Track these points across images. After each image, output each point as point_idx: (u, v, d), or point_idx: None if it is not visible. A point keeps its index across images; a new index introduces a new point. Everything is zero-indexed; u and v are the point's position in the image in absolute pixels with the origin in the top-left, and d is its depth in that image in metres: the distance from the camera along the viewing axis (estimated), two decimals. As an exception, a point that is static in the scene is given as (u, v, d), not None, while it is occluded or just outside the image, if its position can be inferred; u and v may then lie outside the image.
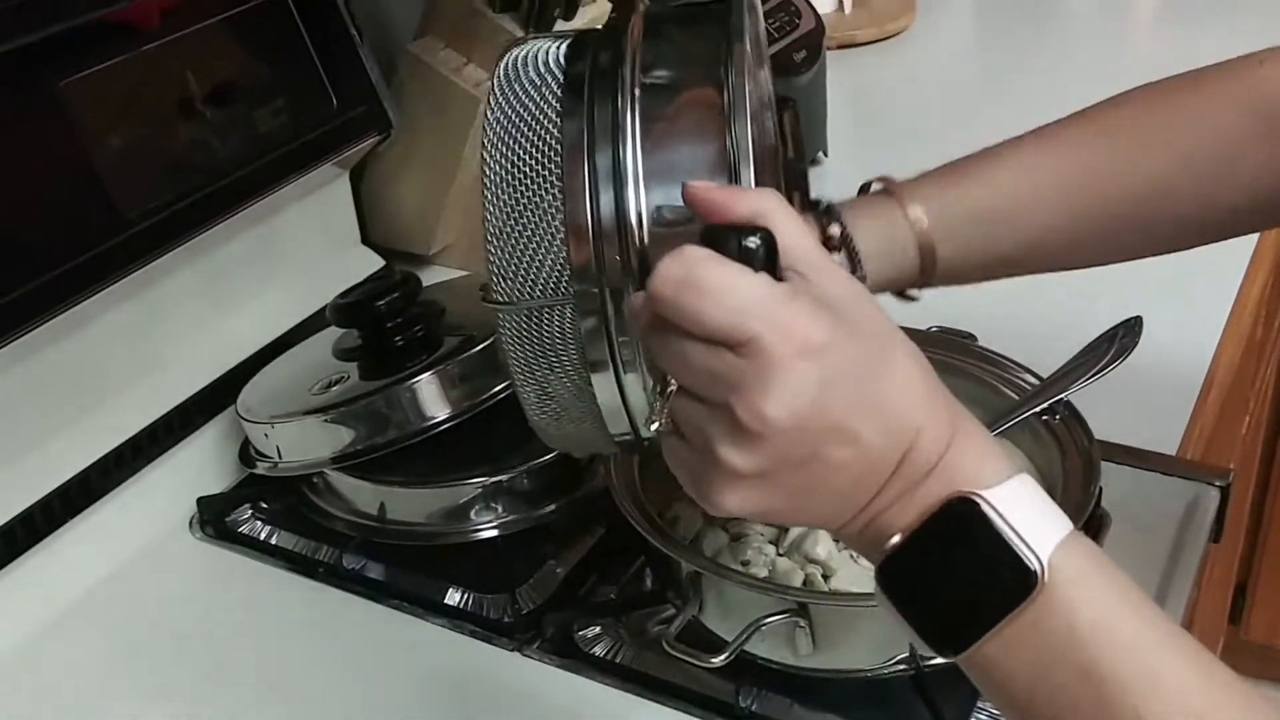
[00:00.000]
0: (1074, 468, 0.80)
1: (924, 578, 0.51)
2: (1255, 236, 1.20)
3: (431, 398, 0.89)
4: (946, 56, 1.80)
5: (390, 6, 1.23)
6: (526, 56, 0.61)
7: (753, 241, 0.49)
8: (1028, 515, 0.50)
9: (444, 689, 0.82)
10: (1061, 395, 0.84)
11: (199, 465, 0.99)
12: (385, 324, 0.93)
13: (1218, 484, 0.90)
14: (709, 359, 0.48)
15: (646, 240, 0.56)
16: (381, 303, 0.93)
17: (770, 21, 1.32)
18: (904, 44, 1.79)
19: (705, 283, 0.48)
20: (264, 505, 0.96)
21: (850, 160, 1.41)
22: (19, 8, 0.81)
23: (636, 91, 0.57)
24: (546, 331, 0.60)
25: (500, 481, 0.89)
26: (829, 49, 1.42)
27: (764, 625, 0.72)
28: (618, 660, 0.80)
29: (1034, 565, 0.48)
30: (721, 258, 0.49)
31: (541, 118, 0.59)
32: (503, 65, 0.62)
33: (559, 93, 0.59)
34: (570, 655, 0.81)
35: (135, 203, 0.89)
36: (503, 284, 0.60)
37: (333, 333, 0.99)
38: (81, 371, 0.91)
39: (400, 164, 1.16)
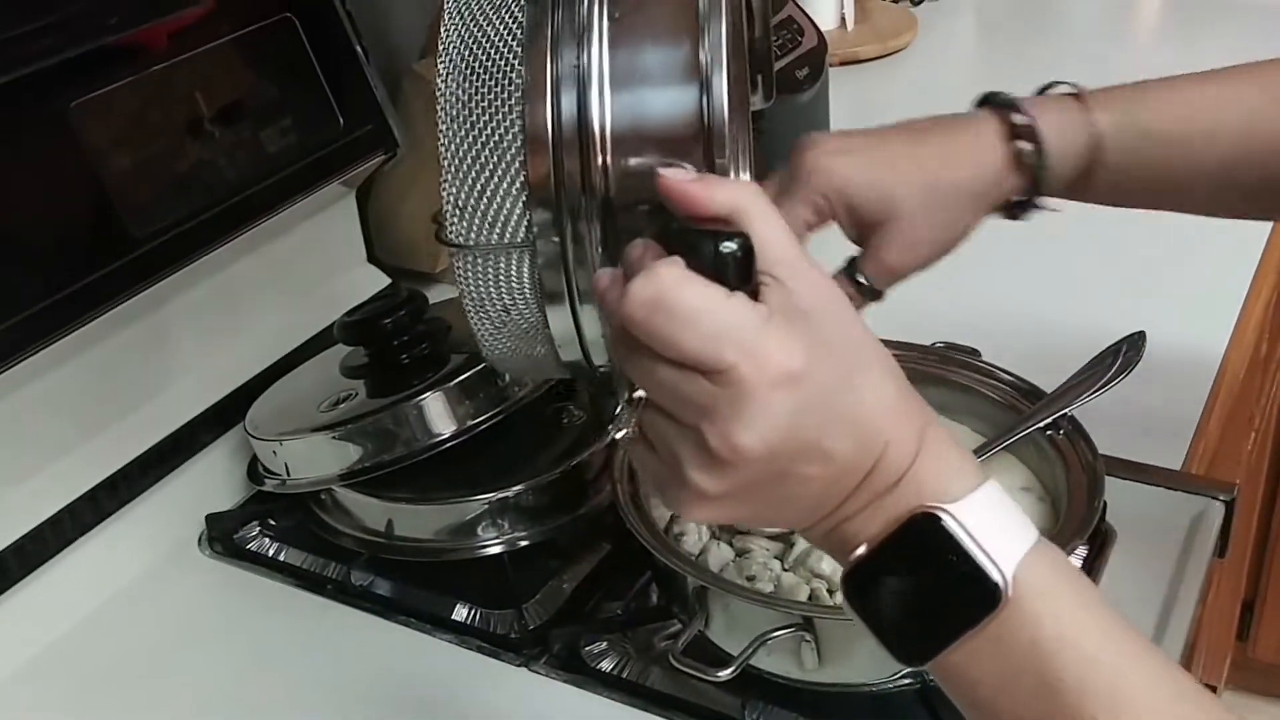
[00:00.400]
0: (1078, 482, 0.80)
1: (888, 589, 0.51)
2: (1259, 251, 1.21)
3: (438, 415, 0.89)
4: (949, 73, 1.80)
5: (396, 26, 1.23)
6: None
7: (728, 247, 0.48)
8: (992, 528, 0.50)
9: (451, 705, 0.82)
10: (1065, 410, 0.84)
11: (207, 482, 0.99)
12: (392, 341, 0.94)
13: (1222, 498, 0.90)
14: (682, 382, 0.48)
15: (610, 154, 0.53)
16: (388, 320, 0.94)
17: (773, 39, 1.32)
18: (906, 60, 1.80)
19: (678, 307, 0.47)
20: (272, 522, 0.97)
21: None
22: (32, 34, 0.82)
23: (604, 1, 0.54)
24: (504, 272, 0.58)
25: (507, 498, 0.89)
26: (832, 66, 1.42)
27: (770, 640, 0.73)
28: (624, 675, 0.81)
29: (997, 580, 0.49)
30: (695, 278, 0.47)
31: (498, 39, 0.56)
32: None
33: (518, 11, 0.55)
34: (577, 671, 0.81)
35: (144, 222, 0.90)
36: (458, 221, 0.57)
37: (340, 350, 0.99)
38: (91, 389, 0.92)
39: (406, 183, 1.17)
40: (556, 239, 0.55)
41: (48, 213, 0.86)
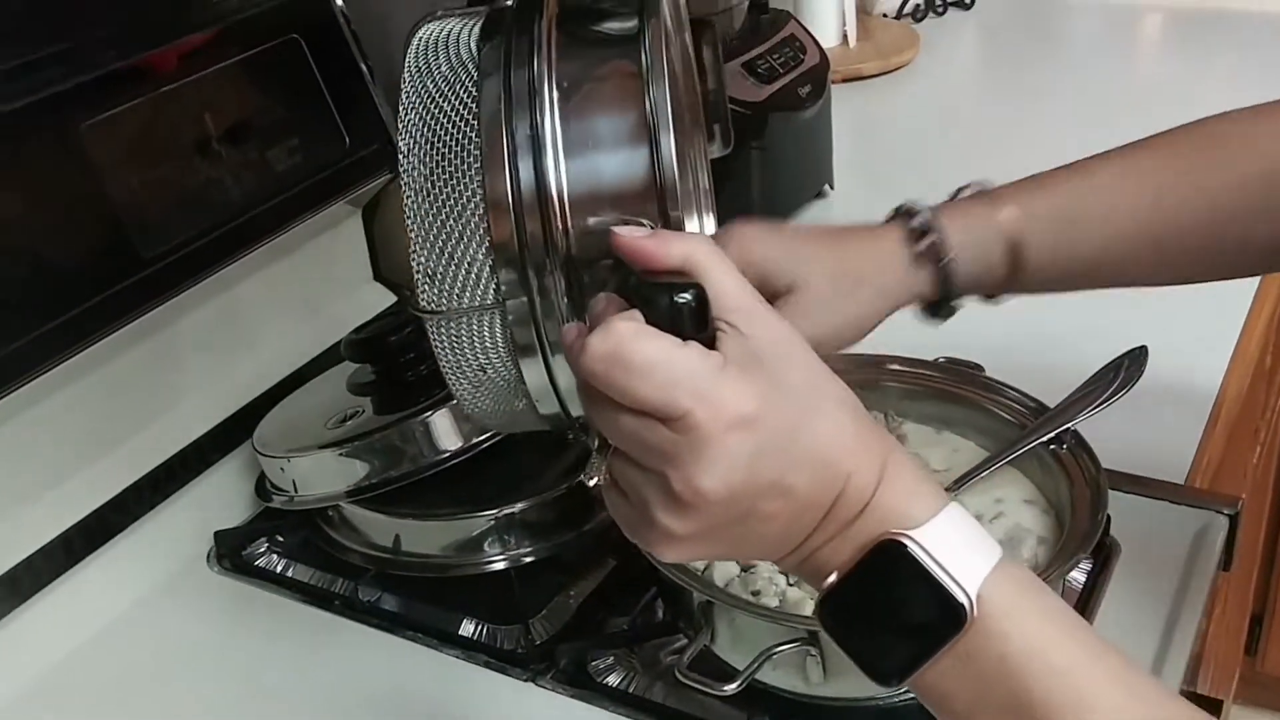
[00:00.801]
0: (1082, 496, 0.80)
1: (860, 614, 0.53)
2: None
3: (445, 431, 0.89)
4: (951, 88, 1.81)
5: (401, 47, 1.24)
6: (437, 40, 0.61)
7: (683, 298, 0.50)
8: (955, 550, 0.51)
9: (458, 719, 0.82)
10: (1068, 425, 0.84)
11: (216, 499, 1.00)
12: (398, 359, 0.94)
13: (1226, 512, 0.90)
14: (643, 431, 0.50)
15: (569, 215, 0.55)
16: (394, 338, 0.94)
17: (775, 57, 1.33)
18: (908, 76, 1.80)
19: (634, 359, 0.49)
20: (280, 538, 0.97)
21: (856, 192, 1.42)
22: (45, 60, 0.82)
23: (552, 73, 0.56)
24: (476, 333, 0.60)
25: (513, 514, 0.89)
26: (834, 82, 1.43)
27: (775, 654, 0.73)
28: (631, 690, 0.81)
29: (962, 600, 0.50)
30: (650, 331, 0.49)
31: (455, 115, 0.58)
32: (413, 52, 0.61)
33: (472, 86, 0.58)
34: (584, 685, 0.82)
35: (153, 241, 0.90)
36: (430, 289, 0.59)
37: (346, 368, 1.00)
38: (100, 408, 0.92)
39: (412, 201, 1.17)
40: (524, 297, 0.57)
41: (58, 232, 0.86)
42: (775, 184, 1.32)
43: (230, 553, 0.97)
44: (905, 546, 0.51)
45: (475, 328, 0.59)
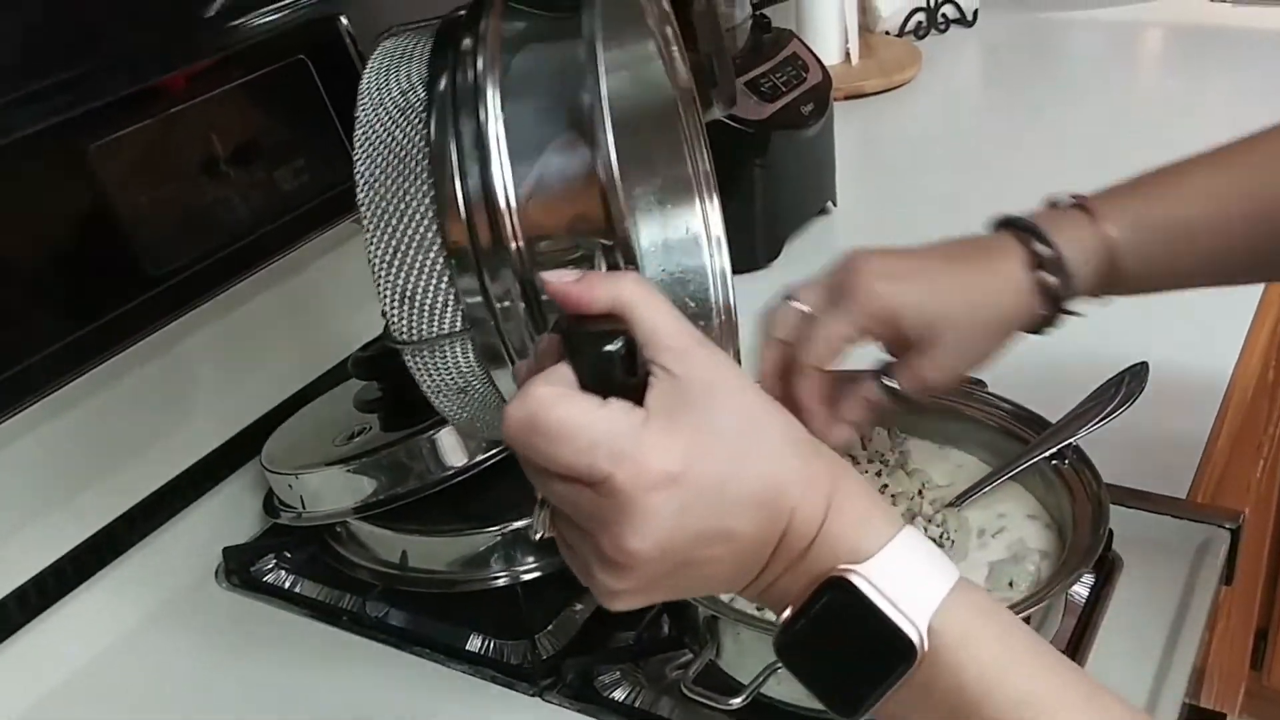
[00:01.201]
0: (1083, 511, 0.81)
1: (814, 649, 0.53)
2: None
3: (451, 448, 0.90)
4: (953, 106, 1.82)
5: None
6: (391, 61, 0.62)
7: (611, 347, 0.50)
8: (905, 583, 0.51)
9: (466, 735, 0.83)
10: (1070, 440, 0.85)
11: (224, 516, 1.00)
12: (404, 376, 0.95)
13: (1228, 526, 0.90)
14: (569, 493, 0.50)
15: (518, 221, 0.56)
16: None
17: (778, 75, 1.34)
18: (911, 94, 1.81)
19: (550, 426, 0.49)
20: (288, 555, 0.98)
21: (859, 209, 1.43)
22: (56, 88, 0.83)
23: (494, 95, 0.57)
24: (449, 357, 0.61)
25: (519, 529, 0.89)
26: (836, 100, 1.44)
27: (780, 668, 0.73)
28: (637, 704, 0.81)
29: (912, 635, 0.50)
30: (567, 395, 0.49)
31: (406, 158, 0.59)
32: (367, 75, 0.62)
33: (422, 110, 0.59)
34: (590, 700, 0.82)
35: (162, 261, 0.91)
36: (399, 321, 0.61)
37: (353, 385, 1.00)
38: (109, 425, 0.93)
39: (418, 219, 1.18)
40: (489, 319, 0.58)
41: (68, 251, 0.87)
42: (778, 201, 1.33)
43: (239, 569, 0.97)
44: (852, 581, 0.51)
45: (448, 352, 0.61)
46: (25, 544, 0.88)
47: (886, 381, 0.75)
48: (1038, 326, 0.77)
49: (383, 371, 0.96)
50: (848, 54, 1.83)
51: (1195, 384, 1.06)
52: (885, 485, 0.87)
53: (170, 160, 0.94)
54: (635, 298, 0.51)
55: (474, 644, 0.88)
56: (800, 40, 1.42)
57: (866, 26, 1.92)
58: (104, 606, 0.92)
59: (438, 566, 0.92)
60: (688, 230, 0.76)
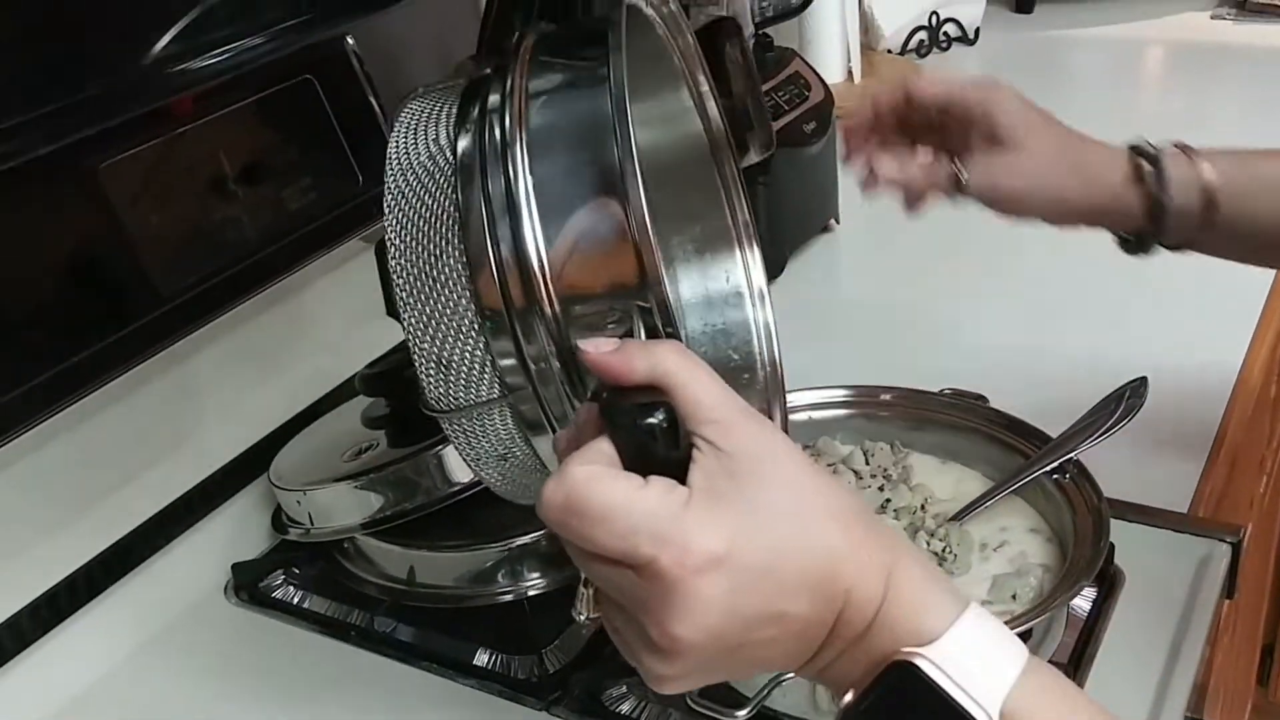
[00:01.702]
0: (1084, 525, 0.81)
1: None
2: (1264, 293, 1.22)
3: (458, 464, 0.90)
4: (956, 124, 1.82)
5: (413, 86, 1.26)
6: (416, 125, 0.61)
7: (652, 420, 0.48)
8: (974, 665, 0.48)
9: (473, 749, 0.83)
10: (1071, 454, 0.85)
11: (233, 532, 1.01)
12: (412, 392, 0.95)
13: (1229, 540, 0.91)
14: (613, 576, 0.48)
15: (551, 282, 0.54)
16: (408, 372, 0.94)
17: (780, 94, 1.35)
18: (914, 113, 1.81)
19: (589, 509, 0.47)
20: (296, 570, 0.98)
21: (862, 227, 1.43)
22: (65, 111, 0.84)
23: (522, 153, 0.55)
24: (489, 425, 0.60)
25: (525, 544, 0.90)
26: (838, 118, 1.45)
27: (785, 680, 0.73)
28: (644, 718, 0.82)
29: None
30: (606, 474, 0.47)
31: (439, 209, 0.57)
32: (394, 142, 0.61)
33: (451, 175, 0.57)
34: (597, 714, 0.82)
35: (170, 279, 0.92)
36: (435, 388, 0.59)
37: (361, 401, 1.01)
38: (119, 442, 0.94)
39: (424, 238, 1.18)
40: (527, 385, 0.56)
41: (77, 270, 0.88)
42: (782, 219, 1.33)
43: (247, 584, 0.98)
44: (918, 668, 0.48)
45: (487, 421, 0.60)
46: (37, 559, 0.89)
47: (958, 165, 0.78)
48: (1126, 242, 0.81)
49: (390, 388, 0.97)
50: (850, 73, 1.84)
51: (1195, 399, 1.06)
52: (888, 500, 0.88)
53: (179, 179, 0.94)
54: (676, 367, 0.49)
55: (481, 659, 0.88)
56: (802, 59, 1.42)
57: (868, 45, 1.93)
58: (114, 622, 0.93)
59: (445, 581, 0.92)
60: (728, 280, 0.75)
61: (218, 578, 0.99)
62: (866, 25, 1.92)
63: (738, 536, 0.47)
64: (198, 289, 0.94)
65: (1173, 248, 0.83)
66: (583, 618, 0.52)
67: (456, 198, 0.56)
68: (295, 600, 0.97)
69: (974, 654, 0.48)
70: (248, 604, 0.97)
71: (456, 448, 0.62)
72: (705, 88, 0.73)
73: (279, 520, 0.99)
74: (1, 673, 0.86)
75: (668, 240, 0.75)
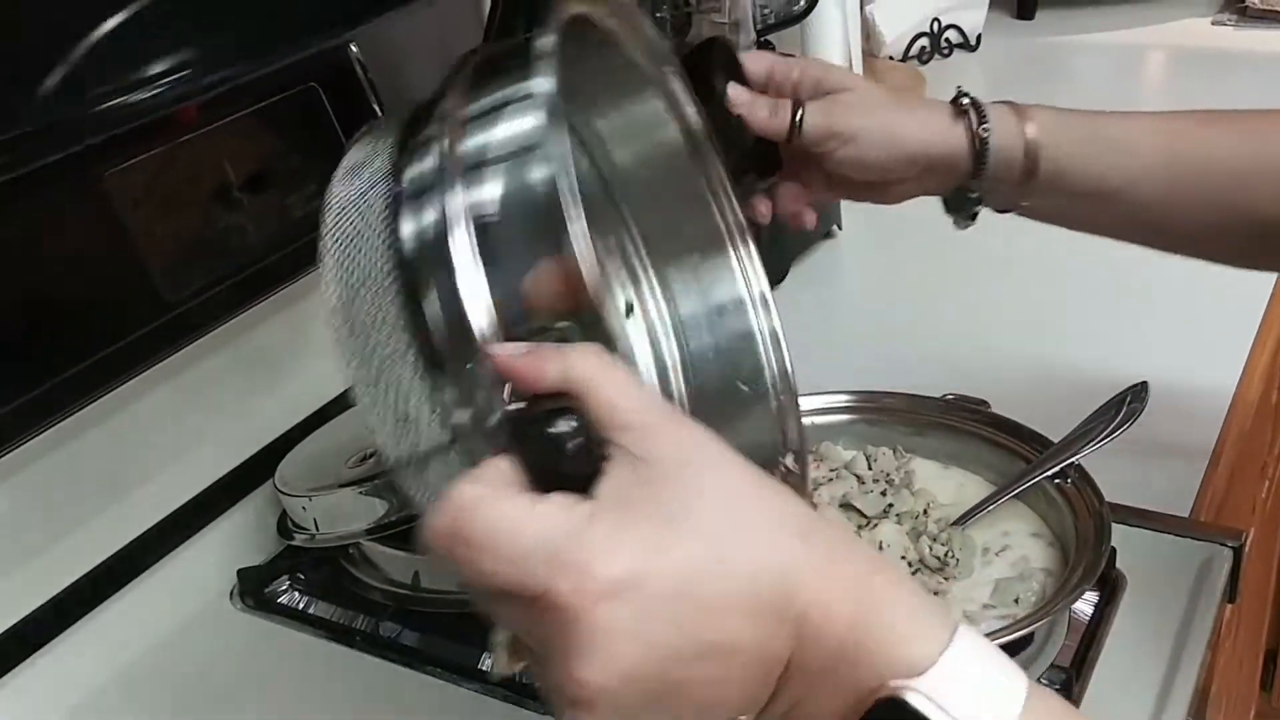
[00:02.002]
0: (1086, 530, 0.82)
1: None
2: (1265, 297, 1.22)
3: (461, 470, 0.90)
4: (958, 130, 1.82)
5: (416, 92, 1.26)
6: (351, 181, 0.58)
7: (556, 429, 0.43)
8: (971, 696, 0.41)
9: (478, 753, 0.83)
10: (1072, 459, 0.86)
11: (238, 538, 1.01)
12: (416, 399, 0.96)
13: (1231, 545, 0.91)
14: (514, 614, 0.42)
15: (491, 311, 0.48)
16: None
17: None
18: (916, 119, 1.82)
19: (473, 533, 0.41)
20: (301, 576, 0.99)
21: (864, 233, 1.43)
22: (70, 121, 0.84)
23: (458, 184, 0.50)
24: (442, 473, 0.53)
25: (529, 550, 0.90)
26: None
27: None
28: (646, 723, 0.82)
29: None
30: (492, 495, 0.42)
31: (376, 255, 0.54)
32: (329, 192, 0.58)
33: (385, 224, 0.54)
34: (600, 719, 0.82)
35: (176, 287, 0.92)
36: (383, 437, 0.53)
37: (366, 408, 1.01)
38: (125, 448, 0.94)
39: (428, 244, 1.18)
40: (469, 424, 0.50)
41: (83, 278, 0.88)
42: (783, 226, 1.33)
43: (253, 590, 0.98)
44: (910, 704, 0.41)
45: (441, 468, 0.53)
46: (43, 566, 0.89)
47: (798, 111, 0.80)
48: (951, 202, 0.83)
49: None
50: (852, 79, 1.84)
51: (1196, 404, 1.07)
52: (891, 504, 0.88)
53: (184, 187, 0.95)
54: (592, 370, 0.43)
55: (486, 663, 0.88)
56: (804, 65, 1.43)
57: (870, 51, 1.93)
58: (120, 628, 0.93)
59: (450, 587, 0.92)
60: (727, 289, 0.73)
61: (223, 583, 0.99)
62: (868, 32, 1.92)
63: (650, 554, 0.41)
64: (202, 296, 0.94)
65: (1000, 210, 0.84)
66: (499, 671, 0.47)
67: (389, 236, 0.52)
68: (300, 606, 0.97)
69: (972, 684, 0.42)
70: (253, 609, 0.98)
71: (412, 502, 0.56)
72: (680, 92, 0.72)
73: (284, 526, 0.99)
74: (8, 678, 0.86)
75: (661, 257, 0.75)
